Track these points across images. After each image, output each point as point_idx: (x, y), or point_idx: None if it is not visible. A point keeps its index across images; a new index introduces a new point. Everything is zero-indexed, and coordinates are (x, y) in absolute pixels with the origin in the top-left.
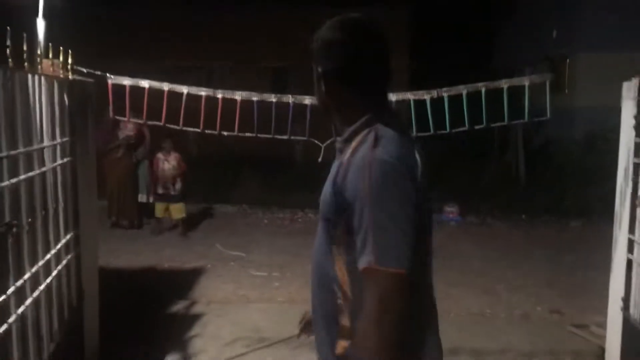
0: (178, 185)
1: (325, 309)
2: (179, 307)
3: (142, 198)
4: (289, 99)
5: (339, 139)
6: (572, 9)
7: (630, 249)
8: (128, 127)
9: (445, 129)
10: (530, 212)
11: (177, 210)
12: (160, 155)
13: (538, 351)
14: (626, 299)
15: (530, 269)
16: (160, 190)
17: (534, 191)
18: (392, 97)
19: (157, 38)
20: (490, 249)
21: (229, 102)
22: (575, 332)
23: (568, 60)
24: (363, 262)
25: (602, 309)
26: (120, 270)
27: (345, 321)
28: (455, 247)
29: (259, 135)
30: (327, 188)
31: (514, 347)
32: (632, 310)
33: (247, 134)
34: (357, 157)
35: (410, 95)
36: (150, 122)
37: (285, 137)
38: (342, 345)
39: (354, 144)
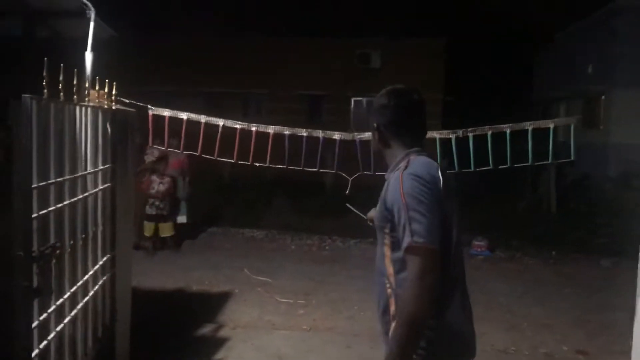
0: (168, 206)
1: (383, 304)
2: (205, 330)
3: (181, 219)
4: (319, 133)
5: (388, 171)
6: (609, 45)
7: None
8: (154, 152)
9: (489, 165)
10: (561, 249)
11: (167, 229)
12: (155, 178)
13: None
14: None
15: (558, 307)
16: (153, 211)
17: (565, 227)
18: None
19: (195, 65)
20: (517, 284)
21: (262, 132)
22: None
23: (603, 96)
24: (405, 243)
25: (630, 352)
26: (150, 291)
27: (392, 306)
28: (482, 282)
29: (289, 167)
30: (378, 205)
31: None
32: None
33: (279, 166)
34: (393, 175)
35: (435, 134)
36: (187, 152)
37: (314, 169)
38: (392, 327)
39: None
